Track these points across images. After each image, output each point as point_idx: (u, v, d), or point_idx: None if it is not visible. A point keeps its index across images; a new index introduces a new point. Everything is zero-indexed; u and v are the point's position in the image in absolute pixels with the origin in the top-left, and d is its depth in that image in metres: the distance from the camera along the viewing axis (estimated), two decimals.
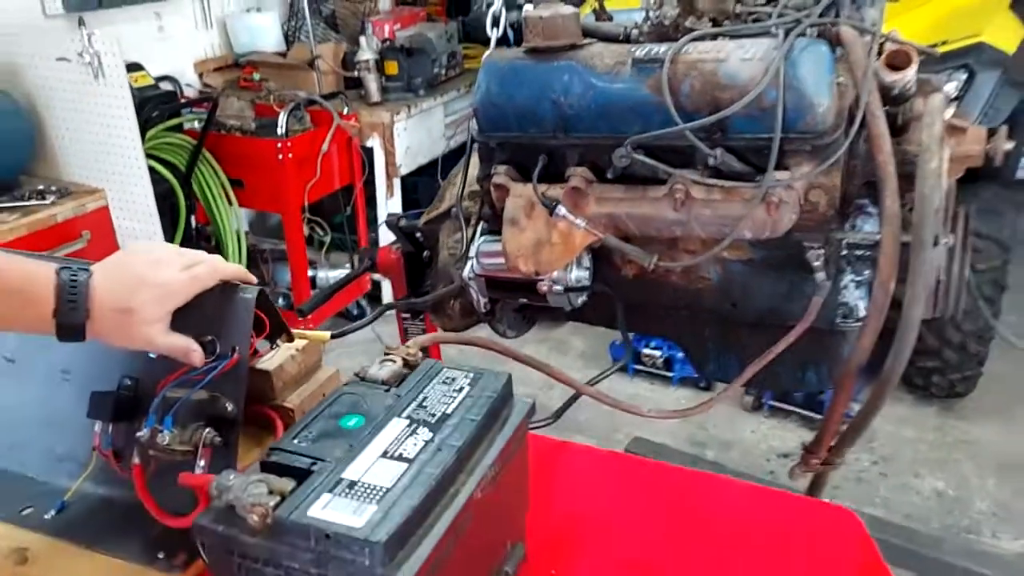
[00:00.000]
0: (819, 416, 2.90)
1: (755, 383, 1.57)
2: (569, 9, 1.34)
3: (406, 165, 3.60)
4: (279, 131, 3.02)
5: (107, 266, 0.80)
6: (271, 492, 0.66)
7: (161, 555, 0.83)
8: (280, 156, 3.02)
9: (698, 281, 1.53)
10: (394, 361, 0.84)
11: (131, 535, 0.86)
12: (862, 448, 2.84)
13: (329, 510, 0.64)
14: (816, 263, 1.32)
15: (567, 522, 0.95)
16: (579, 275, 1.51)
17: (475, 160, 1.62)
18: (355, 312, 3.71)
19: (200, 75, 3.65)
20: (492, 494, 0.74)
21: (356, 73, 3.52)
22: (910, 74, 1.23)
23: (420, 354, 0.86)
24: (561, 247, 1.38)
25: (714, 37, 1.30)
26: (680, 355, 3.16)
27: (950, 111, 1.26)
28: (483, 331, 1.60)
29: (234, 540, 0.65)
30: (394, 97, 3.60)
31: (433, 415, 0.75)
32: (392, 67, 3.59)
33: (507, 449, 0.76)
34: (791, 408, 3.00)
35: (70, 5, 2.97)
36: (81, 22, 2.35)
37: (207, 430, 0.83)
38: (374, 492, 0.66)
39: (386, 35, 3.78)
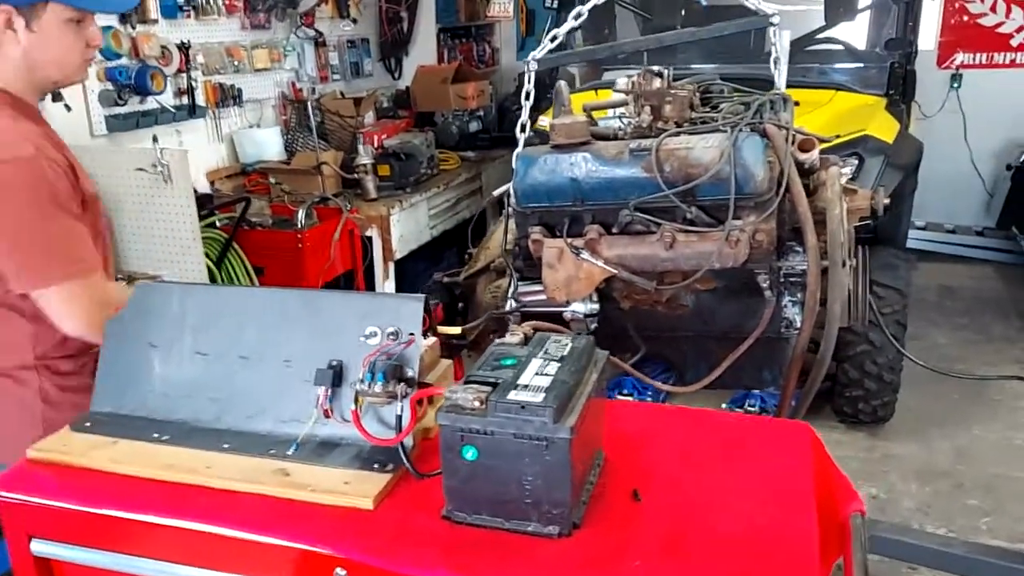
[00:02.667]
0: None
1: (726, 382, 2.10)
2: (582, 118, 1.92)
3: (400, 251, 4.12)
4: (298, 224, 3.52)
5: None
6: (480, 391, 1.14)
7: (376, 465, 1.28)
8: (299, 245, 3.51)
9: (678, 308, 2.08)
10: (517, 334, 1.34)
11: (349, 456, 1.30)
12: None
13: (518, 396, 1.12)
14: (764, 285, 1.89)
15: (616, 444, 1.41)
16: (591, 307, 2.04)
17: (504, 227, 2.16)
18: None
19: (212, 182, 4.14)
20: (595, 401, 1.22)
21: (355, 175, 4.07)
22: (815, 154, 1.83)
23: (532, 331, 1.35)
24: (585, 282, 1.91)
25: (679, 134, 1.89)
26: (649, 398, 3.68)
27: (845, 177, 1.87)
28: None
29: (462, 419, 1.12)
30: (387, 194, 4.16)
31: (556, 356, 1.24)
32: (385, 169, 4.17)
33: (601, 374, 1.26)
34: None
35: (113, 127, 3.51)
36: (155, 139, 2.84)
37: (400, 384, 1.30)
38: (540, 388, 1.14)
39: (376, 143, 4.38)
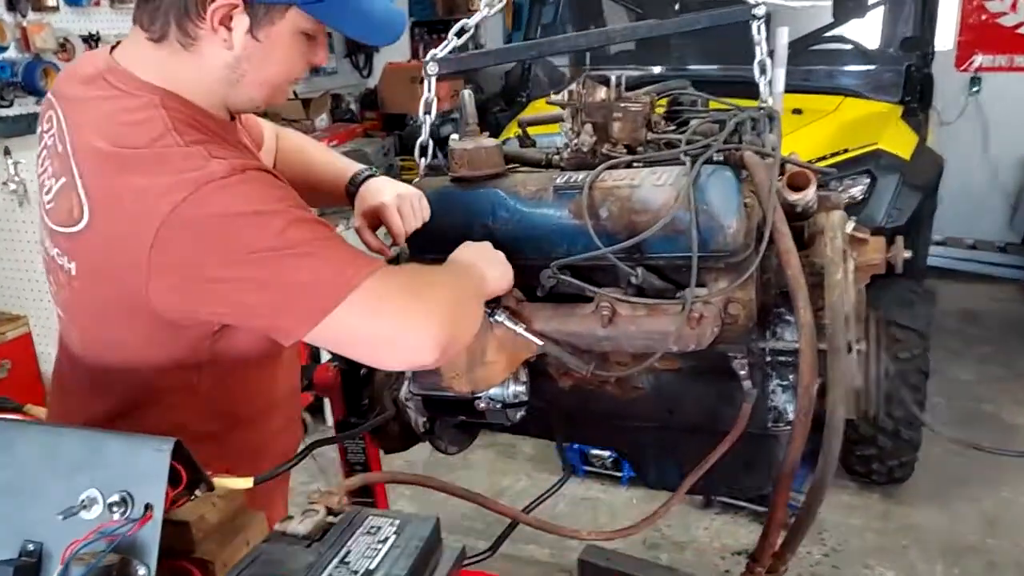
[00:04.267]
0: (766, 509, 2.91)
1: (696, 489, 1.58)
2: (491, 141, 1.42)
3: None
4: None
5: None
6: None
7: None
8: None
9: (632, 391, 1.56)
10: (317, 511, 0.83)
11: None
12: (812, 541, 2.85)
13: None
14: (742, 372, 1.37)
15: None
16: (517, 390, 1.52)
17: None
18: None
19: None
20: None
21: None
22: (810, 194, 1.32)
23: (346, 500, 0.85)
24: (497, 365, 1.40)
25: (628, 164, 1.38)
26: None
27: (850, 224, 1.35)
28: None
29: None
30: (333, 210, 3.64)
31: (356, 572, 0.74)
32: None
33: None
34: (741, 503, 3.01)
35: None
36: (7, 152, 2.34)
37: None
38: None
39: None
